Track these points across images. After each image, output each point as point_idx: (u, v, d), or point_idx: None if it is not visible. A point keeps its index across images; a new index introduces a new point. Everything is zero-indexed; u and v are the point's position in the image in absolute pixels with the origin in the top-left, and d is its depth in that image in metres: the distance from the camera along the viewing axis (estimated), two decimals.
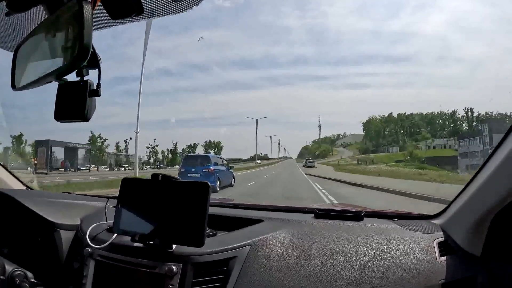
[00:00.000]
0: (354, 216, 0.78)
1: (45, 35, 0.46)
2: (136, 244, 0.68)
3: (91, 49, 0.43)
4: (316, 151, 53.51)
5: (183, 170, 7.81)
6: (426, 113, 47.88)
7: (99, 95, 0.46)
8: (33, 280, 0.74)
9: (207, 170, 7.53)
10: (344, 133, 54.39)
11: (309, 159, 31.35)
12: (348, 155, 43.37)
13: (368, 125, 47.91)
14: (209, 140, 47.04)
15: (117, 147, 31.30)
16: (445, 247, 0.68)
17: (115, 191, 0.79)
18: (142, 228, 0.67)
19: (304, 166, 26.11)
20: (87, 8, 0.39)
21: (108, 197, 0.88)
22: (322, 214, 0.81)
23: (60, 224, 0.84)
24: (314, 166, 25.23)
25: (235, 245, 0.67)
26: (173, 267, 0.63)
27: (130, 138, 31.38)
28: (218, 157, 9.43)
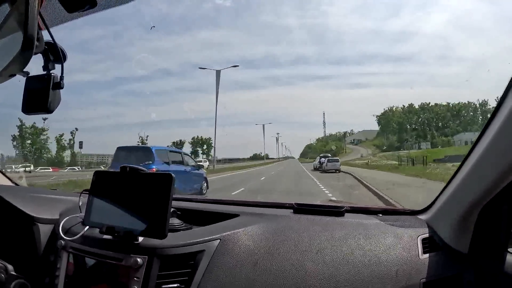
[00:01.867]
0: (335, 211, 0.76)
1: (4, 29, 0.48)
2: (106, 236, 0.69)
3: (53, 42, 0.48)
4: (324, 149, 43.83)
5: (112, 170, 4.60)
6: (452, 104, 39.34)
7: (62, 88, 0.49)
8: (13, 272, 0.77)
9: None
10: (352, 130, 46.08)
11: (328, 156, 17.88)
12: (367, 153, 34.49)
13: (384, 118, 39.23)
14: (197, 137, 40.14)
15: (58, 140, 23.01)
16: (430, 243, 0.65)
17: None
18: (110, 220, 0.69)
19: (317, 169, 14.90)
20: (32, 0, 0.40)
21: (82, 191, 0.89)
22: (301, 209, 0.79)
23: (39, 218, 0.87)
24: (338, 170, 13.11)
25: (204, 239, 0.66)
26: (138, 259, 0.64)
27: (76, 129, 23.24)
28: (174, 151, 6.65)
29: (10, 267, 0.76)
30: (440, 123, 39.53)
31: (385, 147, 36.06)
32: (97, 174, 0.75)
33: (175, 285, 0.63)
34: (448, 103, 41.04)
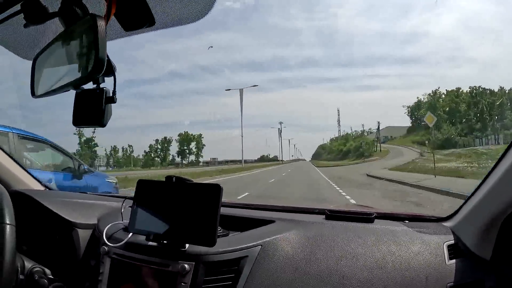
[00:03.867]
0: (365, 217, 0.82)
1: (63, 47, 0.51)
2: (150, 243, 0.76)
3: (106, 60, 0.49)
4: (343, 148, 34.68)
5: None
6: (506, 90, 30.72)
7: (114, 102, 0.51)
8: (50, 276, 0.81)
9: None
10: (370, 128, 38.06)
11: None
12: (416, 152, 24.94)
13: (428, 104, 30.00)
14: (185, 132, 33.49)
15: None
16: (455, 250, 0.72)
17: None
18: (156, 228, 0.75)
19: None
20: (100, 24, 0.43)
21: (125, 197, 0.98)
22: (333, 215, 0.85)
23: (77, 223, 0.94)
24: None
25: (246, 245, 0.73)
26: (186, 265, 0.69)
27: None
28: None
29: (48, 271, 0.81)
30: (495, 113, 30.60)
31: (441, 143, 26.40)
32: (141, 182, 0.82)
33: None
34: (501, 88, 32.28)
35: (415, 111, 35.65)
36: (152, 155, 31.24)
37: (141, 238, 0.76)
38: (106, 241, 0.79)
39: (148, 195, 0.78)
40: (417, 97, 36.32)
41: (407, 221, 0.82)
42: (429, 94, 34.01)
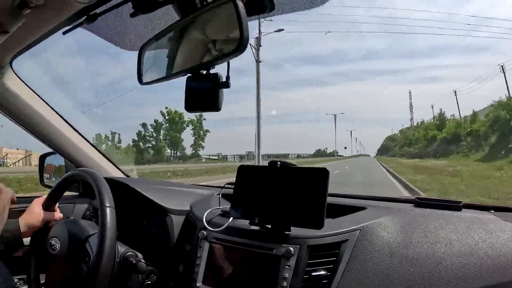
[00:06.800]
0: (453, 205, 0.86)
1: (187, 32, 0.53)
2: (253, 227, 0.81)
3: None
4: (439, 135, 27.17)
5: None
6: None
7: (228, 87, 0.53)
8: (143, 261, 0.84)
9: None
10: (453, 114, 28.42)
11: None
12: None
13: None
14: (174, 111, 23.58)
15: None
16: None
17: None
18: (260, 212, 0.79)
19: None
20: (241, 6, 0.45)
21: (224, 185, 1.05)
22: (422, 203, 0.88)
23: (171, 209, 1.00)
24: None
25: (346, 229, 0.77)
26: (291, 248, 0.74)
27: None
28: None
29: (140, 255, 0.84)
30: None
31: None
32: (242, 168, 0.87)
33: (323, 272, 0.72)
34: None
35: None
36: (141, 145, 23.86)
37: (241, 223, 0.82)
38: (207, 226, 0.85)
39: (250, 180, 0.83)
40: None
41: (493, 211, 0.86)
42: None
